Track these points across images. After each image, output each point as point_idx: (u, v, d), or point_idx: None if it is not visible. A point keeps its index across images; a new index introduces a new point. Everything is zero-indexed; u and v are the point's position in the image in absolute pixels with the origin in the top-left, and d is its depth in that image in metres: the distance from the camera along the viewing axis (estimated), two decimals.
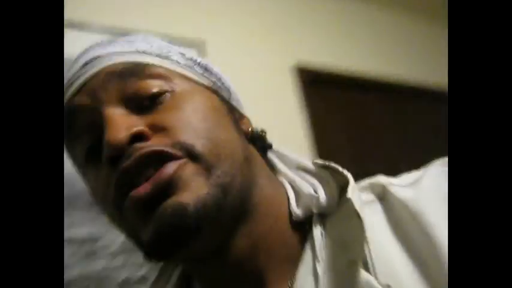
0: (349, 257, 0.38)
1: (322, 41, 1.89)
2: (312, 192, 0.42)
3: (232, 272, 0.42)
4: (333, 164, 0.44)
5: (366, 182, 0.45)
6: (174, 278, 0.48)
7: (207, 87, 0.45)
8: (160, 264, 0.50)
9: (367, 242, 0.38)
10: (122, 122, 0.38)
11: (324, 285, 0.38)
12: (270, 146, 0.49)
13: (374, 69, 1.93)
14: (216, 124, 0.41)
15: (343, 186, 0.42)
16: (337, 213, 0.42)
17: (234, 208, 0.40)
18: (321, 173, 0.44)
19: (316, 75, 1.75)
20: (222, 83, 0.47)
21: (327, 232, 0.41)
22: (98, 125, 0.39)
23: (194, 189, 0.37)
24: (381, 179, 0.44)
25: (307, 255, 0.41)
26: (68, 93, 0.42)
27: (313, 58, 1.78)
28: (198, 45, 1.33)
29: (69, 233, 1.00)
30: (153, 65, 0.42)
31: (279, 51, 1.69)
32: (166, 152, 0.37)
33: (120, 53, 0.42)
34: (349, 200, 0.39)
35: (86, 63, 0.42)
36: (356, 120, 1.83)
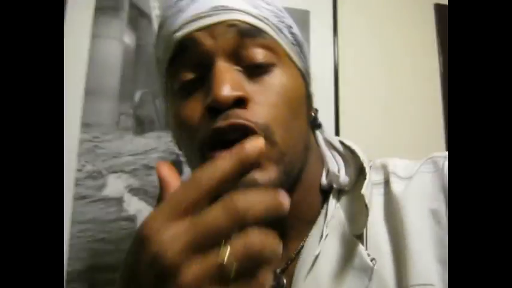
0: (352, 231, 0.47)
1: None
2: (336, 171, 0.51)
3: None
4: (353, 147, 0.52)
5: (380, 162, 0.53)
6: None
7: (301, 73, 0.50)
8: None
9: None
10: (229, 79, 0.43)
11: (325, 243, 0.47)
12: (319, 126, 0.56)
13: None
14: (297, 116, 0.47)
15: (361, 167, 0.50)
16: (351, 193, 0.50)
17: (287, 185, 0.45)
18: (345, 154, 0.52)
19: None
20: (308, 66, 0.52)
21: (340, 204, 0.50)
22: (205, 66, 0.45)
23: (268, 171, 0.43)
24: (391, 163, 0.51)
25: (321, 219, 0.50)
26: (185, 23, 0.46)
27: None
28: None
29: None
30: (270, 37, 0.47)
31: None
32: (252, 129, 0.43)
33: (247, 13, 0.46)
34: (361, 196, 0.46)
35: (215, 7, 0.46)
36: None
